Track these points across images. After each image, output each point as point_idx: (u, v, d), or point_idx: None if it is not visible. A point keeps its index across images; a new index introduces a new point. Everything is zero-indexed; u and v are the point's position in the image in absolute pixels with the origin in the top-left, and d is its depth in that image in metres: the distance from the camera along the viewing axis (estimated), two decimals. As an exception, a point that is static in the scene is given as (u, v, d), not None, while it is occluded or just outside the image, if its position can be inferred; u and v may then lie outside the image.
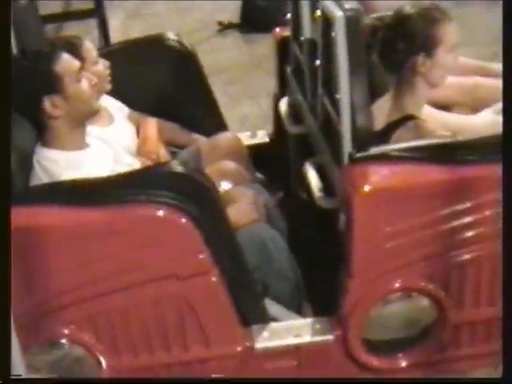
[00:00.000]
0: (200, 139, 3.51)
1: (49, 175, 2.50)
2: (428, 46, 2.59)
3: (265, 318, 2.64)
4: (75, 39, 3.04)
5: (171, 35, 3.56)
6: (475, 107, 3.00)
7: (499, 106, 2.88)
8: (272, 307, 2.69)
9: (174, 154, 3.38)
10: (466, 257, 2.47)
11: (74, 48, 2.85)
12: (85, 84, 2.58)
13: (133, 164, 2.82)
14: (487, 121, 2.82)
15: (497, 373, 2.08)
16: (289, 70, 3.36)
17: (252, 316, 2.62)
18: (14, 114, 2.39)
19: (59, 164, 2.52)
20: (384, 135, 2.62)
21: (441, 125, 2.67)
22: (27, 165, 2.54)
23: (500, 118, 2.76)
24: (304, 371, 2.65)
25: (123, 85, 3.27)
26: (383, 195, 2.37)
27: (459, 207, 2.40)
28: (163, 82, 3.55)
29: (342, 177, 2.46)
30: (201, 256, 2.39)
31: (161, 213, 2.32)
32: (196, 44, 3.74)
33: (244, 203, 2.84)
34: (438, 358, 2.67)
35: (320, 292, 2.77)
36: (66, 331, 2.46)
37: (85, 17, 5.96)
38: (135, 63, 3.50)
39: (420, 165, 2.39)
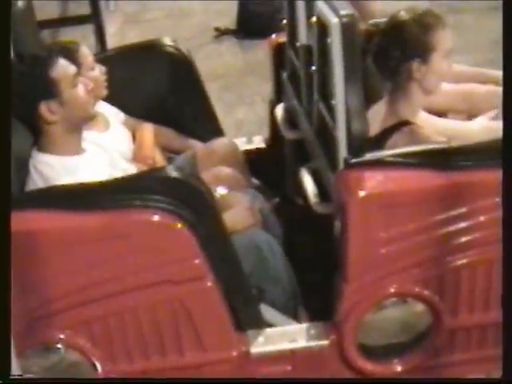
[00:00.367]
0: (196, 145, 3.52)
1: (45, 180, 2.50)
2: (423, 51, 2.60)
3: (260, 323, 2.64)
4: (71, 45, 3.05)
5: (168, 41, 3.57)
6: (471, 113, 3.01)
7: (494, 112, 2.90)
8: (267, 312, 2.69)
9: (170, 160, 3.39)
10: (461, 262, 2.47)
11: (71, 53, 2.85)
12: (81, 89, 2.59)
13: (128, 169, 2.83)
14: (482, 127, 2.82)
15: (495, 375, 2.09)
16: (285, 75, 3.37)
17: (247, 321, 2.62)
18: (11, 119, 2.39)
19: (55, 169, 2.52)
20: (379, 141, 2.62)
21: (436, 130, 2.68)
22: (23, 169, 2.54)
23: (495, 124, 2.78)
24: (299, 376, 2.65)
25: (119, 90, 3.28)
26: (378, 200, 2.37)
27: (454, 213, 2.40)
28: (159, 88, 3.55)
29: (337, 182, 2.46)
30: (196, 261, 2.39)
31: (156, 218, 2.32)
32: (192, 50, 3.74)
33: (240, 208, 2.84)
34: (433, 363, 2.67)
35: (315, 297, 2.78)
36: (62, 336, 2.45)
37: (82, 22, 5.97)
38: (131, 69, 3.50)
39: (415, 170, 2.40)
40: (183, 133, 3.57)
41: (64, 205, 2.33)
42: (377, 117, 2.69)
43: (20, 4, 3.14)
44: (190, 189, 2.38)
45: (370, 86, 2.69)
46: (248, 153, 3.63)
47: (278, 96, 3.54)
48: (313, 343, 2.61)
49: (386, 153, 2.47)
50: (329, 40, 2.39)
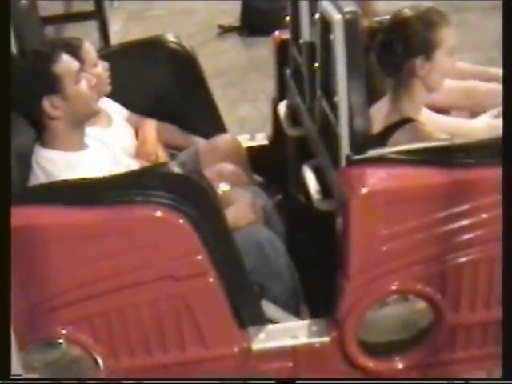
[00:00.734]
0: (199, 141, 3.52)
1: (47, 175, 2.50)
2: (426, 49, 2.60)
3: (262, 320, 2.65)
4: (75, 41, 3.05)
5: (171, 37, 3.57)
6: (474, 111, 3.01)
7: (497, 110, 2.89)
8: (269, 309, 2.70)
9: (172, 156, 3.39)
10: (463, 259, 2.47)
11: (74, 49, 2.85)
12: (84, 85, 2.59)
13: (131, 165, 2.82)
14: (485, 125, 2.82)
15: (497, 373, 2.09)
16: (288, 72, 3.37)
17: (249, 317, 2.62)
18: (13, 114, 2.40)
19: (58, 164, 2.52)
20: (382, 138, 2.62)
21: (439, 128, 2.68)
22: (26, 165, 2.55)
23: (497, 122, 2.78)
24: (300, 373, 2.66)
25: (122, 86, 3.28)
26: (380, 198, 2.37)
27: (456, 210, 2.40)
28: (162, 84, 3.55)
29: (339, 179, 2.46)
30: (198, 257, 2.39)
31: (158, 213, 2.32)
32: (196, 47, 3.74)
33: (242, 205, 2.84)
34: (434, 360, 2.67)
35: (317, 294, 2.78)
36: (64, 331, 2.46)
37: (85, 19, 5.97)
38: (135, 65, 3.50)
39: (417, 167, 2.40)
40: (186, 129, 3.58)
41: (66, 200, 2.33)
42: (379, 114, 2.69)
43: (23, 0, 3.15)
44: (192, 185, 2.38)
45: (373, 83, 2.69)
46: (251, 150, 3.63)
47: (281, 93, 3.54)
48: (314, 340, 2.62)
49: (388, 150, 2.47)
50: (332, 37, 2.39)
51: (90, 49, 3.08)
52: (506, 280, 1.92)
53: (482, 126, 2.82)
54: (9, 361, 1.74)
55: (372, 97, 2.64)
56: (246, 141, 3.73)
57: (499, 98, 2.93)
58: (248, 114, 5.35)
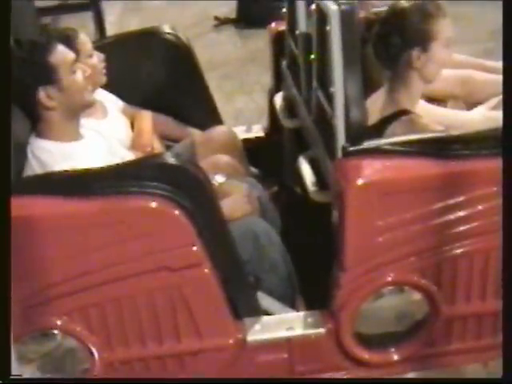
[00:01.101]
0: (195, 133, 3.52)
1: (42, 165, 2.50)
2: (423, 40, 2.59)
3: (257, 311, 2.65)
4: (70, 31, 3.04)
5: (167, 28, 3.57)
6: (469, 102, 3.01)
7: (493, 101, 2.90)
8: (264, 300, 2.70)
9: (168, 148, 3.38)
10: (459, 251, 2.47)
11: (69, 40, 2.84)
12: (79, 76, 2.58)
13: (127, 157, 2.82)
14: (482, 116, 2.82)
15: (497, 373, 2.09)
16: (284, 64, 3.36)
17: (244, 309, 2.62)
18: (9, 105, 2.39)
19: (53, 154, 2.51)
20: (378, 129, 2.62)
21: (435, 119, 2.68)
22: (21, 155, 2.54)
23: (493, 113, 2.78)
24: (295, 364, 2.66)
25: (118, 78, 3.27)
26: (376, 189, 2.37)
27: (452, 201, 2.40)
28: (158, 76, 3.55)
29: (335, 170, 2.46)
30: (193, 248, 2.39)
31: (154, 204, 2.32)
32: (192, 39, 3.74)
33: (237, 196, 2.84)
34: (430, 352, 2.68)
35: (312, 285, 2.78)
36: (59, 322, 2.46)
37: (80, 10, 5.95)
38: (130, 56, 3.50)
39: (413, 159, 2.39)
40: (182, 121, 3.58)
41: (61, 190, 2.32)
42: (376, 105, 2.69)
43: (19, -9, 3.14)
44: (187, 176, 2.38)
45: (369, 75, 2.69)
46: (247, 141, 3.63)
47: (278, 85, 3.54)
48: (309, 331, 2.62)
49: (384, 141, 2.47)
50: (328, 28, 2.38)
51: (85, 40, 3.07)
52: (506, 277, 1.92)
53: (478, 117, 2.82)
54: (9, 361, 1.74)
55: (368, 88, 2.63)
56: (242, 132, 3.73)
57: (495, 88, 2.95)
58: (244, 105, 5.35)
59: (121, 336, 2.52)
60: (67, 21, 6.17)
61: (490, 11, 5.32)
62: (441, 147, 2.41)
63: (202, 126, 3.54)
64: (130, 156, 2.85)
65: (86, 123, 2.79)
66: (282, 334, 2.62)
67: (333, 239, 2.49)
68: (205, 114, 3.65)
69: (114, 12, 7.18)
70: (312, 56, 2.71)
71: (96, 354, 2.52)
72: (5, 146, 1.77)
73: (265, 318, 2.65)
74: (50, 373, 2.54)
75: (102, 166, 2.43)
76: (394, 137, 2.52)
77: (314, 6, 2.61)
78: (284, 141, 3.51)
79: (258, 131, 3.79)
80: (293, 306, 2.78)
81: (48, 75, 2.50)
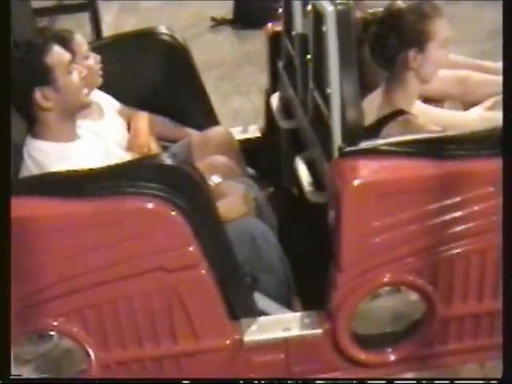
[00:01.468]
0: (192, 133, 3.52)
1: (39, 166, 2.50)
2: (420, 41, 2.60)
3: (254, 312, 2.64)
4: (66, 33, 3.04)
5: (163, 29, 3.56)
6: (466, 102, 3.01)
7: (490, 101, 2.90)
8: (261, 301, 2.69)
9: (165, 149, 3.38)
10: (455, 251, 2.47)
11: (65, 41, 2.84)
12: (76, 76, 2.58)
13: (124, 158, 2.82)
14: (478, 117, 2.83)
15: (493, 373, 2.09)
16: (280, 65, 3.36)
17: (241, 309, 2.62)
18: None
19: (49, 155, 2.51)
20: (374, 129, 2.62)
21: (431, 120, 2.68)
22: (17, 156, 2.54)
23: (490, 114, 2.78)
24: (292, 365, 2.66)
25: (114, 79, 3.28)
26: (372, 189, 2.37)
27: (448, 202, 2.40)
28: (155, 77, 3.55)
29: (331, 171, 2.46)
30: (190, 249, 2.38)
31: (150, 205, 2.32)
32: (189, 39, 3.74)
33: (234, 197, 2.84)
34: (427, 352, 2.67)
35: (309, 286, 2.78)
36: (55, 323, 2.45)
37: (77, 11, 5.94)
38: (127, 57, 3.50)
39: (410, 159, 2.39)
40: (179, 122, 3.58)
41: (57, 191, 2.32)
42: (372, 106, 2.69)
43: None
44: (184, 176, 2.38)
45: (366, 75, 2.69)
46: (243, 142, 3.63)
47: (274, 85, 3.54)
48: (306, 332, 2.61)
49: (380, 141, 2.47)
50: (324, 28, 2.38)
51: (81, 41, 3.07)
52: (506, 278, 1.93)
53: (474, 117, 2.83)
54: (9, 361, 1.74)
55: (365, 89, 2.64)
56: (238, 133, 3.73)
57: (491, 89, 2.95)
58: (241, 106, 5.35)
59: (117, 337, 2.52)
60: (64, 22, 6.17)
61: (487, 11, 5.33)
62: (437, 148, 2.41)
63: (199, 127, 3.54)
64: (126, 157, 2.85)
65: (83, 124, 2.79)
66: (279, 334, 2.61)
67: (329, 240, 2.49)
68: (201, 114, 3.64)
69: (110, 13, 7.17)
70: (308, 57, 2.71)
71: (92, 355, 2.52)
72: (5, 147, 1.77)
73: (261, 319, 2.65)
74: (46, 374, 2.54)
75: (98, 166, 2.43)
76: (390, 137, 2.52)
77: (310, 7, 2.61)
78: (280, 141, 3.51)
79: (254, 132, 3.79)
80: (289, 306, 2.78)
81: (44, 76, 2.50)
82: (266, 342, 2.61)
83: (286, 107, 3.30)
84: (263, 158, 3.62)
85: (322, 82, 2.55)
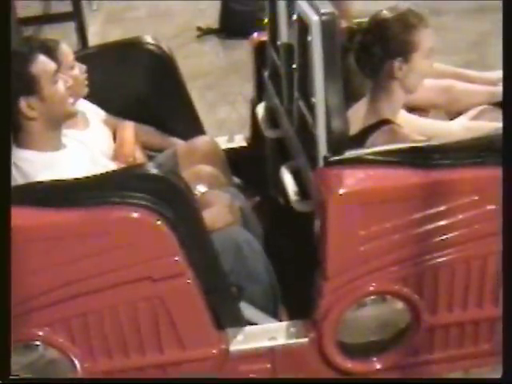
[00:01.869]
0: (177, 143, 3.52)
1: (24, 176, 2.49)
2: (404, 51, 2.61)
3: (240, 321, 2.65)
4: (51, 42, 3.03)
5: (149, 39, 3.56)
6: (451, 111, 3.03)
7: (473, 111, 2.92)
8: (247, 310, 2.69)
9: (150, 158, 3.38)
10: (440, 260, 2.48)
11: (50, 51, 2.83)
12: (61, 86, 2.58)
13: (109, 167, 2.81)
14: (462, 127, 2.85)
15: (497, 372, 2.10)
16: (266, 74, 3.37)
17: (227, 319, 2.62)
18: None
19: (34, 164, 2.51)
20: (359, 139, 2.63)
21: (416, 130, 2.69)
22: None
23: (474, 124, 2.81)
24: (278, 374, 2.66)
25: (100, 88, 3.27)
26: (357, 198, 2.38)
27: (433, 211, 2.41)
28: (140, 86, 3.54)
29: (316, 180, 2.46)
30: (175, 258, 2.38)
31: (136, 215, 2.32)
32: (175, 49, 3.74)
33: (220, 207, 2.84)
34: (412, 361, 2.68)
35: (295, 295, 2.78)
36: (40, 333, 2.45)
37: (63, 20, 5.95)
38: (112, 67, 3.49)
39: (394, 168, 2.40)
40: (164, 131, 3.57)
41: (43, 201, 2.32)
42: (357, 115, 2.70)
43: None
44: (169, 186, 2.38)
45: (351, 85, 2.70)
46: (229, 151, 3.63)
47: (260, 95, 3.54)
48: (292, 341, 2.62)
49: (365, 151, 2.48)
50: (309, 38, 2.39)
51: (66, 51, 3.06)
52: (506, 280, 1.94)
53: (459, 127, 2.84)
54: (9, 361, 1.73)
55: (350, 98, 2.65)
56: (224, 142, 3.73)
57: (476, 98, 2.97)
58: (226, 115, 5.35)
59: (103, 347, 2.51)
60: (49, 31, 6.15)
61: (471, 22, 5.36)
62: (422, 157, 2.42)
63: (185, 136, 3.54)
64: (112, 166, 2.85)
65: (68, 133, 2.78)
66: (265, 343, 2.61)
67: (315, 249, 2.50)
68: (187, 124, 3.64)
69: (96, 22, 7.17)
70: (293, 66, 2.72)
71: (78, 365, 2.51)
72: (4, 156, 1.77)
73: (247, 328, 2.65)
74: (31, 384, 2.53)
75: (83, 175, 2.42)
76: (375, 146, 2.53)
77: (295, 17, 2.62)
78: (266, 151, 3.51)
79: (240, 141, 3.79)
80: (275, 315, 2.78)
81: (29, 85, 2.49)
82: (252, 352, 2.61)
83: (272, 117, 3.30)
84: (249, 167, 3.63)
85: (307, 92, 2.56)
